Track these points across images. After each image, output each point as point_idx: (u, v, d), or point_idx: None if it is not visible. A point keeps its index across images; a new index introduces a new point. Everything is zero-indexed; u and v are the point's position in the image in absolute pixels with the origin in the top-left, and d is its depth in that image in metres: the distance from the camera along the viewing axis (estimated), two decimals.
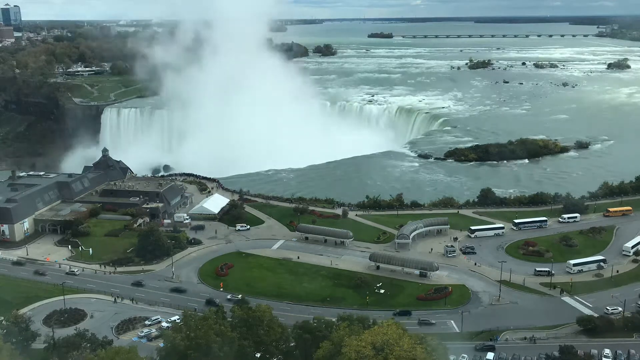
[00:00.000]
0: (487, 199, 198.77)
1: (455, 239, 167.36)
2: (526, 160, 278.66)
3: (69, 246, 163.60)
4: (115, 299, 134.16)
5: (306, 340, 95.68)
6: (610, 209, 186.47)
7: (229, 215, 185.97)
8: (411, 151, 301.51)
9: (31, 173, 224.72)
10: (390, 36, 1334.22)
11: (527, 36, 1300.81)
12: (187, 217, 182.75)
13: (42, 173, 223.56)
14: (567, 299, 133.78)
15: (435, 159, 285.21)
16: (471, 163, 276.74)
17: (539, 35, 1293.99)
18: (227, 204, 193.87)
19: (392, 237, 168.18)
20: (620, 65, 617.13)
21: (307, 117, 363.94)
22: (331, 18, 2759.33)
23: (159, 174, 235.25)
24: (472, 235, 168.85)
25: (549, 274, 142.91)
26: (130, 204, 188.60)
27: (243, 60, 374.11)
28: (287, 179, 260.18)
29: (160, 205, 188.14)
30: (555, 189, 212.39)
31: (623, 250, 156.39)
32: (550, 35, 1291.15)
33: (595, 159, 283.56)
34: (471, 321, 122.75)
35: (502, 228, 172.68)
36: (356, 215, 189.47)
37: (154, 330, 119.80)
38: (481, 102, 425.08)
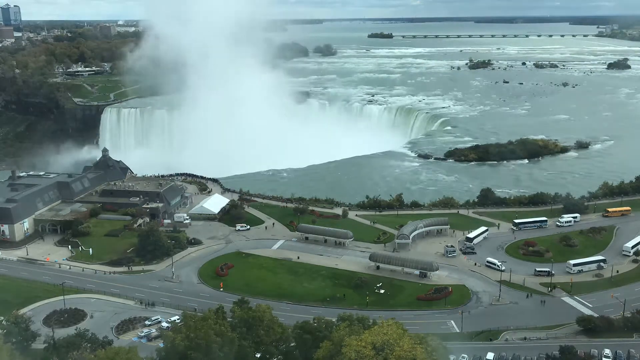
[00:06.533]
0: (487, 199, 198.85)
1: (451, 246, 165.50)
2: (526, 160, 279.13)
3: (69, 246, 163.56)
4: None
5: (306, 340, 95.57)
6: (609, 209, 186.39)
7: (229, 215, 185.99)
8: (411, 151, 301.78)
9: (31, 173, 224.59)
10: (390, 36, 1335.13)
11: (527, 36, 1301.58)
12: (187, 217, 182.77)
13: (42, 173, 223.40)
14: (567, 299, 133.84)
15: (435, 159, 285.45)
16: (471, 163, 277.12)
17: (539, 35, 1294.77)
18: (227, 204, 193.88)
19: (392, 237, 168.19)
20: (620, 65, 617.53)
21: (307, 117, 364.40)
22: (331, 18, 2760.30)
23: (159, 174, 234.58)
24: (517, 229, 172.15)
25: (549, 274, 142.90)
26: (130, 204, 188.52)
27: (243, 60, 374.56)
28: (287, 179, 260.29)
29: (160, 205, 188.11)
30: (555, 189, 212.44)
31: (623, 250, 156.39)
32: (550, 35, 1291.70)
33: (595, 159, 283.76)
34: (471, 321, 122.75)
35: (546, 221, 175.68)
36: (356, 215, 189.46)
37: (154, 330, 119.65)
38: (481, 102, 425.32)
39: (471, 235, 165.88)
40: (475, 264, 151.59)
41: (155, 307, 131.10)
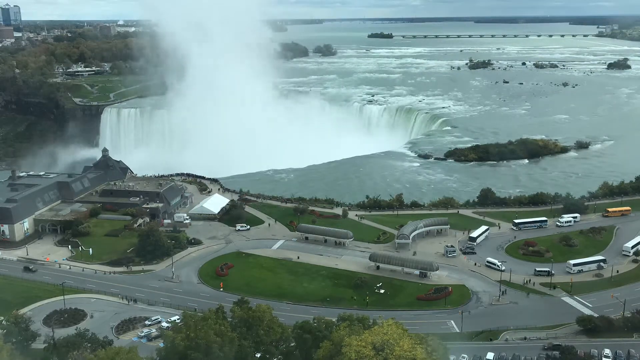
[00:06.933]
0: (487, 199, 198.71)
1: (451, 246, 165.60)
2: (526, 160, 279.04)
3: (69, 246, 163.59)
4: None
5: (306, 340, 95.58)
6: (609, 209, 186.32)
7: (229, 215, 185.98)
8: (411, 151, 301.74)
9: (31, 173, 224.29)
10: (390, 36, 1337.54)
11: (527, 36, 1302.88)
12: (187, 217, 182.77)
13: (42, 173, 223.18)
14: (567, 299, 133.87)
15: (435, 159, 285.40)
16: (471, 163, 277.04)
17: (539, 35, 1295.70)
18: (227, 204, 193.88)
19: (392, 237, 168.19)
20: (620, 65, 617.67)
21: (307, 117, 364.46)
22: (331, 18, 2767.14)
23: (159, 174, 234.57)
24: (517, 229, 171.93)
25: (549, 274, 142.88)
26: (130, 204, 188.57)
27: (242, 60, 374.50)
28: (287, 179, 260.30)
29: (160, 205, 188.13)
30: (555, 189, 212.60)
31: (623, 250, 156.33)
32: (550, 35, 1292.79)
33: (595, 159, 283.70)
34: (471, 321, 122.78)
35: (546, 221, 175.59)
36: (356, 215, 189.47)
37: (154, 330, 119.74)
38: (481, 102, 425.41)
39: (474, 234, 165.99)
40: (475, 264, 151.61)
41: (138, 304, 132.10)
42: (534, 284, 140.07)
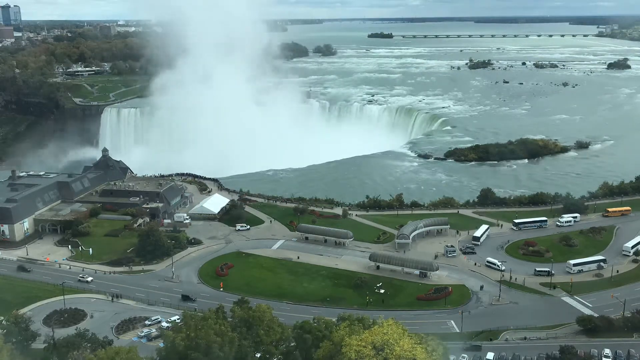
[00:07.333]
0: (487, 199, 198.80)
1: (451, 246, 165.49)
2: (526, 160, 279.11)
3: (69, 246, 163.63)
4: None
5: (306, 340, 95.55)
6: (609, 209, 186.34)
7: (229, 215, 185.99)
8: (411, 151, 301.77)
9: (31, 173, 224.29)
10: (390, 36, 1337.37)
11: (527, 36, 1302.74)
12: (187, 217, 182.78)
13: (42, 173, 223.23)
14: (567, 298, 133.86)
15: (435, 159, 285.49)
16: (471, 163, 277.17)
17: (539, 35, 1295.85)
18: (227, 204, 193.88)
19: (392, 237, 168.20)
20: (620, 65, 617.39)
21: (307, 117, 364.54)
22: (331, 18, 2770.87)
23: (159, 174, 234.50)
24: (517, 228, 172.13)
25: (549, 274, 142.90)
26: (130, 204, 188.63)
27: (242, 60, 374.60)
28: (287, 179, 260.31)
29: (160, 205, 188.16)
30: (555, 189, 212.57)
31: (623, 250, 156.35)
32: (550, 35, 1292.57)
33: (595, 159, 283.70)
34: (471, 321, 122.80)
35: (546, 221, 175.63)
36: (356, 215, 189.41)
37: (154, 330, 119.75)
38: (481, 102, 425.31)
39: (477, 234, 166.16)
40: (475, 264, 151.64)
41: (121, 299, 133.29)
42: (515, 279, 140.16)
